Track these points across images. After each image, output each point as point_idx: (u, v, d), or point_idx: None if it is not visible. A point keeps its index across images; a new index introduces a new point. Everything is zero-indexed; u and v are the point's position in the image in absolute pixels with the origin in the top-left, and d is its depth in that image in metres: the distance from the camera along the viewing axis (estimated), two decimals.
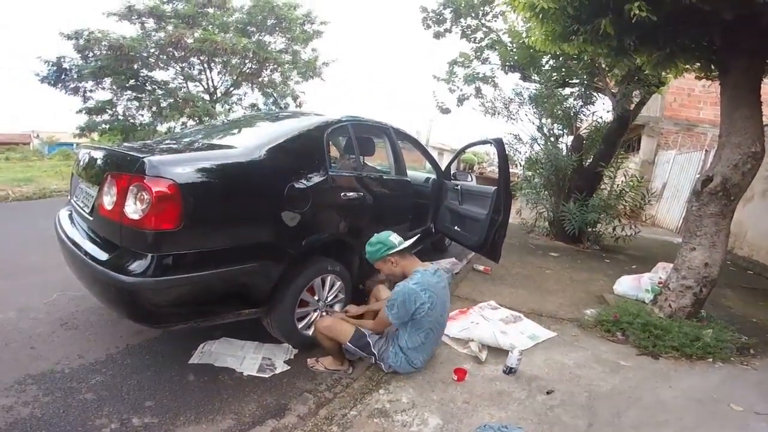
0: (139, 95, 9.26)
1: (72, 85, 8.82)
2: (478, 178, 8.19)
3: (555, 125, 6.18)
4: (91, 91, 9.03)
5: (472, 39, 7.17)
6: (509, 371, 2.16)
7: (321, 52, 10.68)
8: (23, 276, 3.02)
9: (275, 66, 9.39)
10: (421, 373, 2.08)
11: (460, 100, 7.41)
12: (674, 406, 2.05)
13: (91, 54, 8.50)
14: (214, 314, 1.88)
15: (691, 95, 9.57)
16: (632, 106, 5.56)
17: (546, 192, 5.95)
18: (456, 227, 3.65)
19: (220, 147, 2.18)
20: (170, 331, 2.35)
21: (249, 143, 2.08)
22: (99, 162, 1.99)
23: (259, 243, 1.94)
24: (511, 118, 6.22)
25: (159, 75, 9.50)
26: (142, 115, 9.40)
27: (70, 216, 2.30)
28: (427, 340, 2.04)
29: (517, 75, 6.75)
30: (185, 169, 1.68)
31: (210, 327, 2.25)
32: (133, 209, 1.60)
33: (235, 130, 2.62)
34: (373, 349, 2.02)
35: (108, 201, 1.74)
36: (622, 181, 5.60)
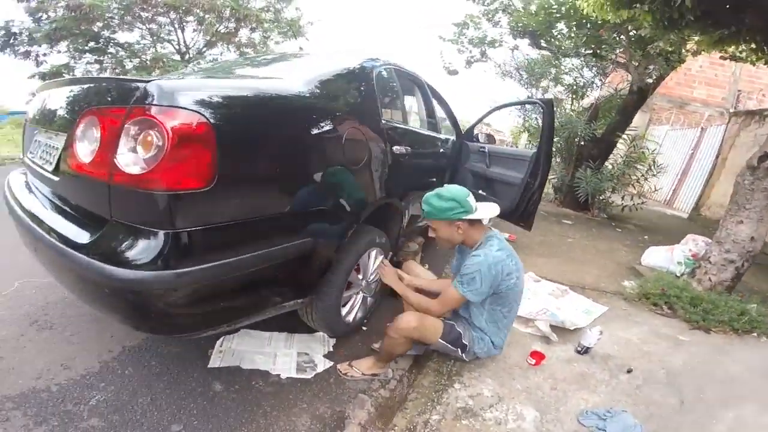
0: (100, 58, 8.21)
1: (22, 50, 7.71)
2: None
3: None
4: (44, 55, 7.96)
5: (480, 2, 6.69)
6: (584, 351, 1.94)
7: (306, 10, 9.83)
8: None
9: (255, 24, 8.52)
10: (493, 360, 1.81)
11: (468, 62, 6.98)
12: (745, 381, 1.97)
13: (44, 16, 7.41)
14: (254, 311, 1.41)
15: (687, 75, 9.60)
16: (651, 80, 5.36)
17: (555, 159, 5.78)
18: (481, 191, 3.35)
19: (260, 78, 1.67)
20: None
21: (296, 75, 1.59)
22: (70, 99, 1.37)
23: (313, 210, 1.47)
24: (522, 84, 5.92)
25: (123, 36, 8.46)
26: None
27: (27, 183, 1.69)
28: (510, 314, 1.72)
29: (527, 41, 6.38)
30: (221, 101, 1.13)
31: None
32: (132, 159, 1.04)
33: (263, 65, 2.10)
34: (463, 341, 1.67)
35: (85, 150, 1.15)
36: (630, 151, 5.48)
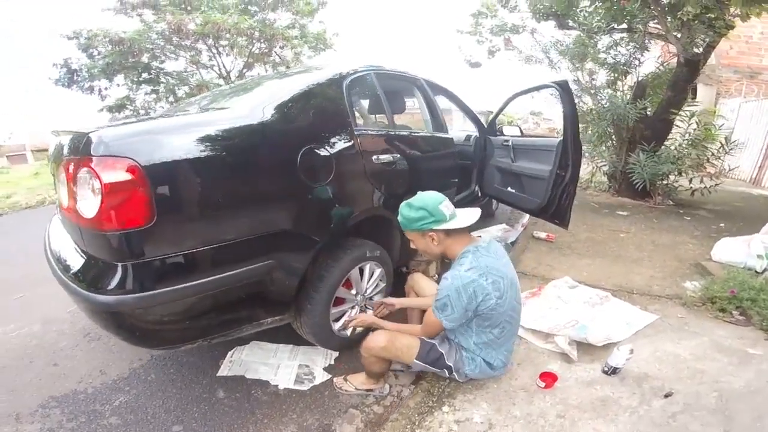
0: (155, 87, 9.07)
1: (86, 85, 8.61)
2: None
3: (598, 73, 5.42)
4: (106, 88, 8.82)
5: None
6: (612, 371, 1.65)
7: (329, 23, 10.01)
8: (51, 283, 2.82)
9: (284, 42, 8.81)
10: (495, 382, 1.61)
11: (491, 53, 6.65)
12: None
13: (95, 52, 8.19)
14: (226, 328, 1.48)
15: (750, 42, 8.41)
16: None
17: (605, 144, 5.24)
18: (510, 188, 3.09)
19: (211, 110, 1.73)
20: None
21: (247, 103, 1.62)
22: (58, 148, 1.54)
23: (270, 233, 1.47)
24: (554, 67, 5.46)
25: (171, 66, 9.21)
26: (162, 107, 9.20)
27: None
28: (503, 335, 1.51)
29: (552, 23, 5.90)
30: (152, 143, 1.21)
31: None
32: (87, 205, 1.18)
33: (241, 93, 2.13)
34: (447, 362, 1.53)
35: (63, 195, 1.35)
36: (694, 129, 4.76)
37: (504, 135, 3.36)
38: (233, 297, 1.43)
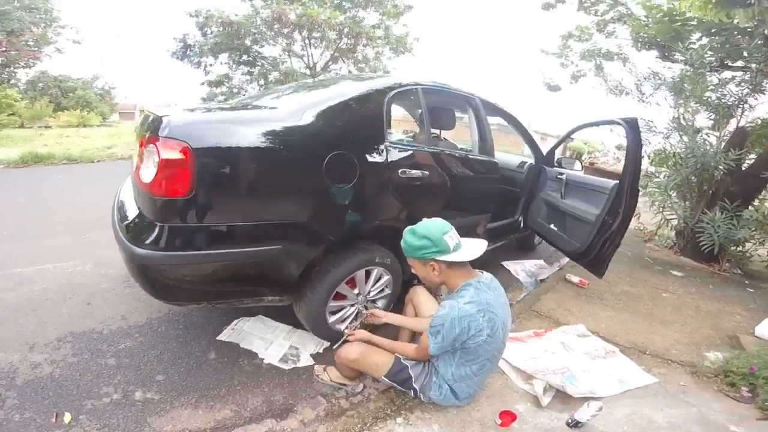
0: (251, 69, 10.01)
1: (195, 60, 9.79)
2: (586, 169, 6.87)
3: (699, 114, 4.81)
4: (210, 65, 9.96)
5: (592, 12, 5.98)
6: (575, 425, 1.62)
7: (412, 27, 10.23)
8: None
9: (368, 41, 9.25)
10: (457, 408, 1.66)
11: (575, 77, 6.28)
12: None
13: (209, 31, 9.24)
14: (230, 297, 1.69)
15: None
16: None
17: (679, 194, 4.70)
18: (552, 225, 2.96)
19: (264, 108, 1.92)
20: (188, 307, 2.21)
21: (292, 106, 1.79)
22: (142, 120, 1.82)
23: (286, 223, 1.64)
24: (643, 101, 4.99)
25: (267, 51, 10.09)
26: (254, 88, 10.15)
27: None
28: (481, 372, 1.56)
29: (653, 53, 5.39)
30: (205, 130, 1.45)
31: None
32: (147, 172, 1.43)
33: (319, 88, 2.30)
34: (414, 384, 1.60)
35: (135, 159, 1.63)
36: None
37: (561, 167, 3.23)
38: (244, 271, 1.64)
